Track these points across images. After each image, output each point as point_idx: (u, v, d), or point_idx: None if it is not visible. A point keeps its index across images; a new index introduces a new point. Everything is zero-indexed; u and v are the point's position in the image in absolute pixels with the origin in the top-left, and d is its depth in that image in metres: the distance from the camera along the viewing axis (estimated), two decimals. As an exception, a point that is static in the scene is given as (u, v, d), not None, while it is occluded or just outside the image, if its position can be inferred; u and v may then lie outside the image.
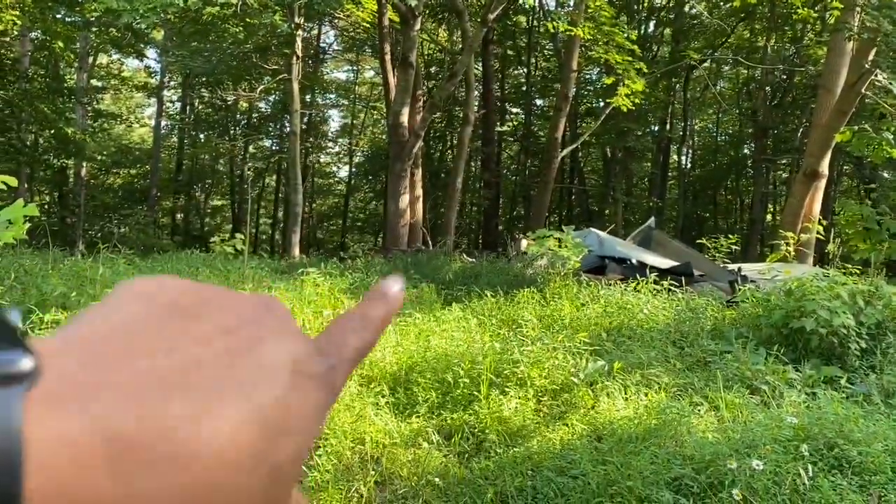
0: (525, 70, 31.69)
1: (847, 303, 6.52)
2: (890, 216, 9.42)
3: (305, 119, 32.49)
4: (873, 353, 6.38)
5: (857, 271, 8.52)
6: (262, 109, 34.03)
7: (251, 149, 34.85)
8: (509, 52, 31.13)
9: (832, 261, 9.55)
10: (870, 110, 17.31)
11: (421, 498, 4.10)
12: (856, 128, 10.02)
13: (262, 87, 21.00)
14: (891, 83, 13.44)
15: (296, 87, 17.56)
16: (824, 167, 13.56)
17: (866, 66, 12.31)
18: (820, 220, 12.91)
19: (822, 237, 12.27)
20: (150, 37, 23.23)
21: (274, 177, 36.36)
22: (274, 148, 34.78)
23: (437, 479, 4.19)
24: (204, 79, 26.66)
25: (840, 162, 25.08)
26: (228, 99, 30.05)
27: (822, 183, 13.81)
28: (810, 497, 4.04)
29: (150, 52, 27.41)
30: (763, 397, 5.45)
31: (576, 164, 32.15)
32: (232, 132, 33.54)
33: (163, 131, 31.28)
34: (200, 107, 33.86)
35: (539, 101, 33.09)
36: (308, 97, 31.96)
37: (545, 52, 31.42)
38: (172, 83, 31.78)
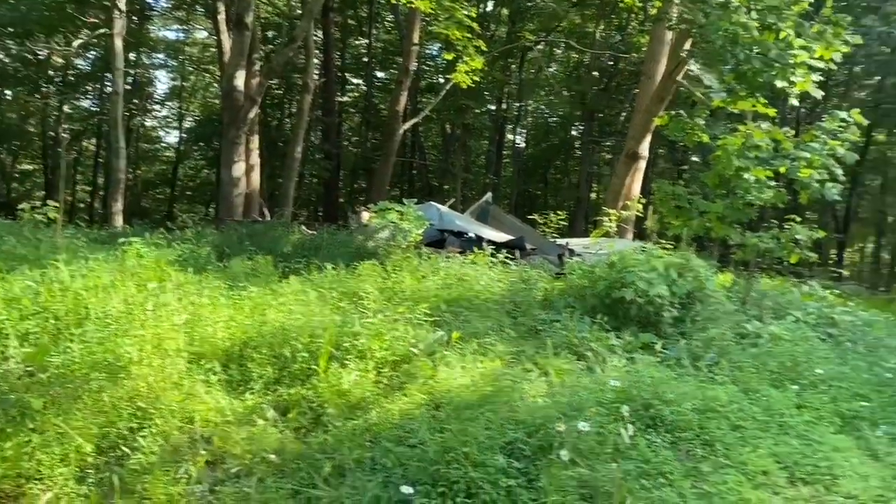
0: (366, 41, 31.32)
1: (662, 274, 7.03)
2: (699, 196, 10.22)
3: (130, 79, 30.15)
4: (683, 320, 6.96)
5: (671, 246, 9.24)
6: (81, 67, 31.15)
7: (67, 109, 31.88)
8: (350, 21, 30.61)
9: (649, 236, 10.31)
10: (684, 97, 18.80)
11: (255, 476, 3.96)
12: (672, 113, 10.81)
13: (79, 41, 19.13)
14: (702, 73, 14.66)
15: (118, 43, 16.19)
16: (644, 149, 14.57)
17: (682, 55, 13.29)
18: (639, 198, 13.88)
19: (640, 214, 13.19)
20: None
21: (93, 140, 33.56)
22: (93, 109, 32.06)
23: (272, 456, 4.07)
24: (10, 29, 23.89)
25: (657, 145, 27.07)
26: (40, 53, 27.13)
27: (642, 164, 14.85)
28: (629, 454, 4.35)
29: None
30: (588, 363, 5.78)
31: (417, 138, 32.35)
32: (44, 90, 30.37)
33: (-40, 85, 27.79)
34: (7, 60, 30.33)
35: (380, 74, 32.88)
36: (133, 56, 29.67)
37: (386, 23, 31.21)
38: (-27, 32, 28.18)
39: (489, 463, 3.90)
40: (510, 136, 35.23)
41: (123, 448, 4.08)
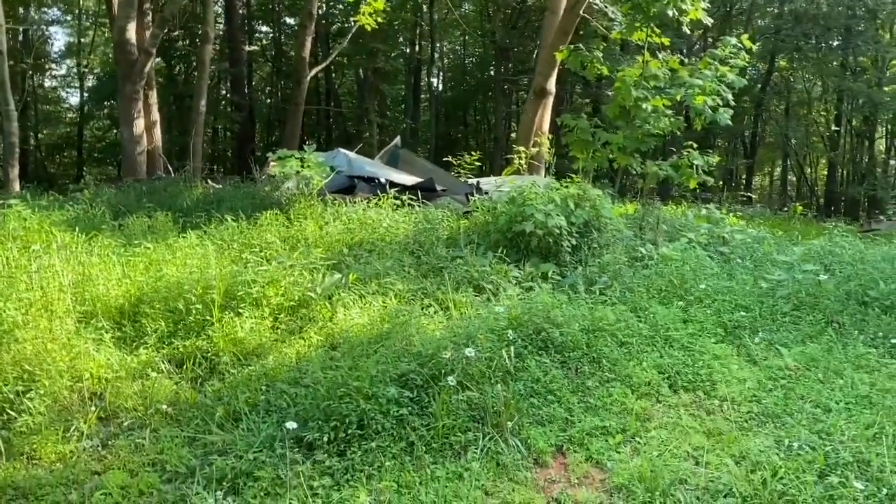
0: (271, -14, 30.22)
1: (560, 206, 7.22)
2: (603, 128, 10.41)
3: (20, 37, 28.39)
4: (581, 248, 7.20)
5: (579, 179, 9.43)
6: (-38, 25, 29.07)
7: (-50, 70, 29.83)
8: (252, -35, 29.43)
9: (548, 170, 10.49)
10: (594, 33, 18.95)
11: (149, 427, 3.98)
12: (571, 46, 10.90)
13: (-48, -4, 17.76)
14: (605, 6, 14.79)
15: (-3, -3, 15.12)
16: (551, 85, 14.68)
17: (583, -12, 13.36)
18: (548, 135, 14.06)
19: (549, 151, 13.38)
20: None
21: (-14, 104, 31.58)
22: (-18, 70, 30.08)
23: (165, 407, 4.09)
24: None
25: (572, 81, 27.27)
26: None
27: (550, 100, 14.98)
28: (520, 377, 4.55)
29: None
30: (487, 295, 5.95)
31: (331, 86, 31.70)
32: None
33: None
34: None
35: (290, 20, 31.85)
36: (21, 11, 27.89)
37: (291, -33, 30.12)
38: None
39: (380, 395, 4.01)
40: (432, 80, 34.91)
41: (10, 412, 4.02)
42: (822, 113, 33.30)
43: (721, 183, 27.10)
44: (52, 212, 7.04)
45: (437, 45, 32.37)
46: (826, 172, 33.74)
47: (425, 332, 4.93)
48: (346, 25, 28.57)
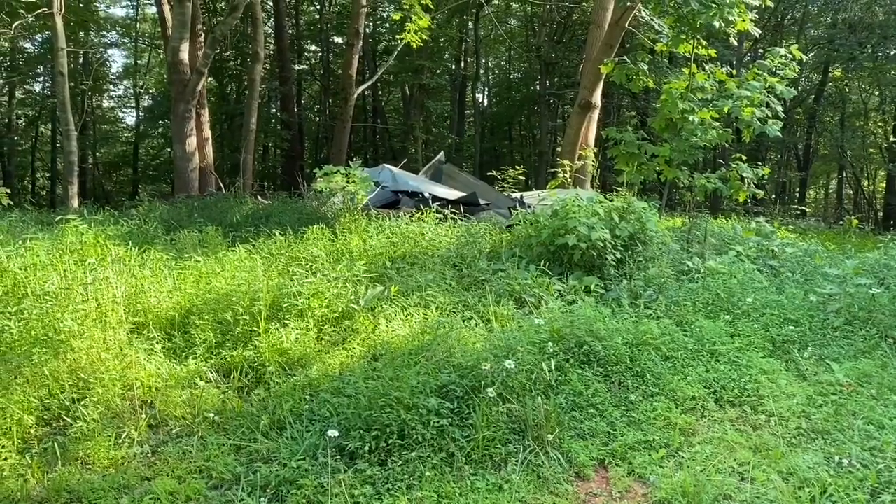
0: (319, 6, 30.81)
1: (604, 219, 7.18)
2: (648, 141, 10.31)
3: (81, 59, 29.56)
4: (626, 262, 7.13)
5: (625, 192, 9.35)
6: (28, 50, 30.49)
7: (18, 93, 31.26)
8: (301, -14, 30.09)
9: (594, 183, 10.44)
10: (640, 46, 18.81)
11: (197, 435, 4.08)
12: (616, 60, 10.86)
13: (17, 22, 18.61)
14: (652, 19, 14.69)
15: (59, 22, 15.80)
16: (597, 98, 14.63)
17: (629, 3, 13.30)
18: (593, 148, 14.00)
19: (595, 164, 13.32)
20: None
21: (49, 125, 32.98)
22: (46, 92, 31.43)
23: (212, 415, 4.19)
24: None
25: (619, 94, 27.08)
26: (-18, 38, 26.40)
27: (596, 113, 14.92)
28: (562, 390, 4.53)
29: None
30: (529, 308, 5.94)
31: (377, 102, 32.10)
32: (-7, 75, 29.71)
33: None
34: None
35: (338, 39, 32.42)
36: (82, 34, 29.04)
37: (339, -13, 30.72)
38: None
39: (421, 405, 4.04)
40: (477, 96, 35.07)
41: (66, 418, 4.17)
42: (880, 124, 32.32)
43: (774, 196, 26.52)
44: (107, 227, 7.31)
45: (483, 60, 32.52)
46: (884, 185, 32.67)
47: (466, 344, 4.95)
48: (392, 43, 28.99)
